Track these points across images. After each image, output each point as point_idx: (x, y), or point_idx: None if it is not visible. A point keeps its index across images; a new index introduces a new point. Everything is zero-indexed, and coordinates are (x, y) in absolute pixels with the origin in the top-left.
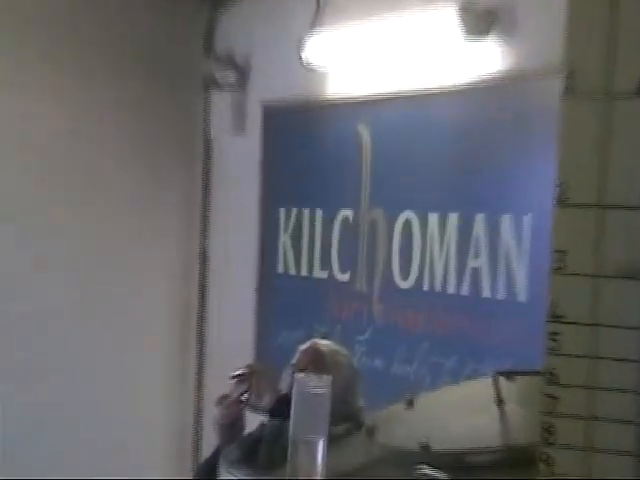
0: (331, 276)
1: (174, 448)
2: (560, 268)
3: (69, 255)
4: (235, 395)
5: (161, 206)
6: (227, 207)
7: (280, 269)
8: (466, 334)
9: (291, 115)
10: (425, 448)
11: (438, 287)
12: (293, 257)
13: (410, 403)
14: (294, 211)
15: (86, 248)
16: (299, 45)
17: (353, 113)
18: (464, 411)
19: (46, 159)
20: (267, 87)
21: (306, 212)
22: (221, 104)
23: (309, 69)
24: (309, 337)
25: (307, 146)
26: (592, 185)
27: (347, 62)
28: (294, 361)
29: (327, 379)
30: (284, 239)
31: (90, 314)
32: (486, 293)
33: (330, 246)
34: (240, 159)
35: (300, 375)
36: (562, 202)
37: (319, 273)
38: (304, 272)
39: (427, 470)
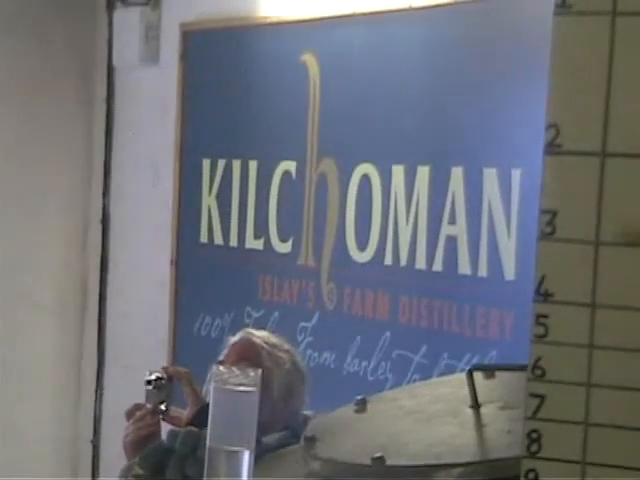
0: (268, 247)
1: (65, 465)
2: (550, 233)
3: None
4: (151, 405)
5: (50, 158)
6: (134, 158)
7: (203, 238)
8: (439, 321)
9: (218, 40)
10: (379, 463)
11: (404, 261)
12: (220, 222)
13: (362, 407)
14: (221, 163)
15: None
16: None
17: (297, 38)
18: (430, 417)
19: None
20: (187, 4)
21: (236, 164)
22: (128, 25)
23: None
24: (240, 325)
25: (238, 80)
26: (591, 127)
27: None
28: (222, 357)
29: (255, 374)
30: (208, 199)
31: None
32: (464, 269)
33: (267, 208)
34: (152, 96)
35: (220, 369)
36: (553, 149)
37: (253, 243)
38: (233, 242)
39: None
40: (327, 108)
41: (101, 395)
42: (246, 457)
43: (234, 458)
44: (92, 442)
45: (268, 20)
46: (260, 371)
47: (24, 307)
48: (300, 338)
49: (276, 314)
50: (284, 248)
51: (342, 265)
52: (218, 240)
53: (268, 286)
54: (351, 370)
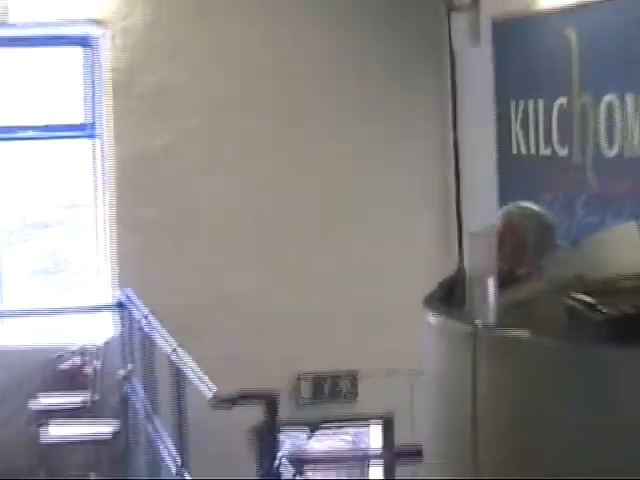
0: (553, 153)
1: None
2: None
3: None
4: None
5: (417, 111)
6: (472, 105)
7: (514, 150)
8: None
9: (516, 27)
10: (580, 279)
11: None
12: (523, 140)
13: (576, 244)
14: (521, 103)
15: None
16: None
17: (563, 19)
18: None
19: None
20: (495, 4)
21: (531, 102)
22: (459, 22)
23: None
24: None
25: (532, 51)
26: None
27: None
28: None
29: (491, 228)
30: (516, 126)
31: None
32: None
33: (551, 128)
34: (477, 66)
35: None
36: None
37: (544, 151)
38: (532, 151)
39: (580, 296)
40: (586, 61)
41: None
42: (491, 282)
43: (483, 284)
44: None
45: (544, 9)
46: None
47: (398, 205)
48: (577, 210)
49: (560, 196)
50: (563, 152)
51: (599, 160)
52: (523, 150)
53: (555, 178)
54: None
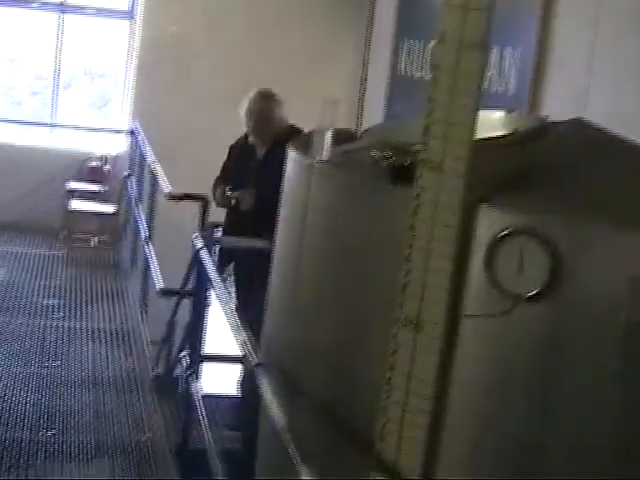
0: (423, 76)
1: None
2: None
3: None
4: None
5: (344, 38)
6: (380, 38)
7: (400, 72)
8: None
9: None
10: (387, 143)
11: None
12: (408, 65)
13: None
14: (409, 41)
15: None
16: None
17: None
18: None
19: None
20: None
21: (414, 42)
22: None
23: None
24: None
25: (420, 7)
26: None
27: None
28: None
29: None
30: (403, 55)
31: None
32: None
33: (423, 59)
34: (388, 12)
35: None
36: None
37: (418, 74)
38: (411, 73)
39: (382, 152)
40: None
41: None
42: None
43: None
44: None
45: None
46: None
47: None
48: None
49: None
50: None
51: None
52: (407, 73)
53: None
54: None
